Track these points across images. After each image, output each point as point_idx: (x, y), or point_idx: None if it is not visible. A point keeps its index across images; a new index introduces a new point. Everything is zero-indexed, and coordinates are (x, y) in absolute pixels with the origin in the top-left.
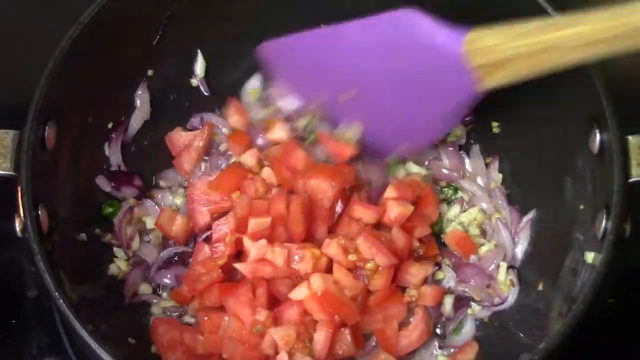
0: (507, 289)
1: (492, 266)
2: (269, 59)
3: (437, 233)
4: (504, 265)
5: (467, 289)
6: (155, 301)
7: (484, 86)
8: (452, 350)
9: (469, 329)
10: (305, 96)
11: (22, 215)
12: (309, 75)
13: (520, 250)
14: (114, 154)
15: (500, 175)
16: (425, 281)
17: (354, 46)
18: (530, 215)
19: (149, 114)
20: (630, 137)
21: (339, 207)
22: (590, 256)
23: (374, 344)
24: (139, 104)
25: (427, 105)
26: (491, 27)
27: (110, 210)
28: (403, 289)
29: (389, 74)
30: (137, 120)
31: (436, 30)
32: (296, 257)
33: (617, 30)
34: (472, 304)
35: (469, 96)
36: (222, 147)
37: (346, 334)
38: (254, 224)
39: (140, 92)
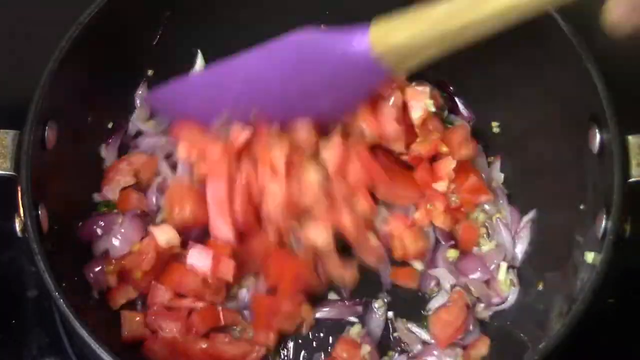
0: (507, 288)
1: (493, 266)
2: (158, 107)
3: None
4: (504, 265)
5: (466, 283)
6: None
7: (399, 72)
8: (461, 349)
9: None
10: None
11: (22, 215)
12: (206, 110)
13: (520, 250)
14: (109, 157)
15: (502, 175)
16: None
17: (253, 74)
18: (530, 215)
19: (148, 115)
20: (630, 137)
21: None
22: (590, 256)
23: None
24: (138, 104)
25: (339, 98)
26: (396, 16)
27: (105, 209)
28: None
29: (296, 88)
30: (137, 121)
31: (337, 37)
32: None
33: None
34: (476, 304)
35: (382, 80)
36: None
37: None
38: None
39: (140, 92)
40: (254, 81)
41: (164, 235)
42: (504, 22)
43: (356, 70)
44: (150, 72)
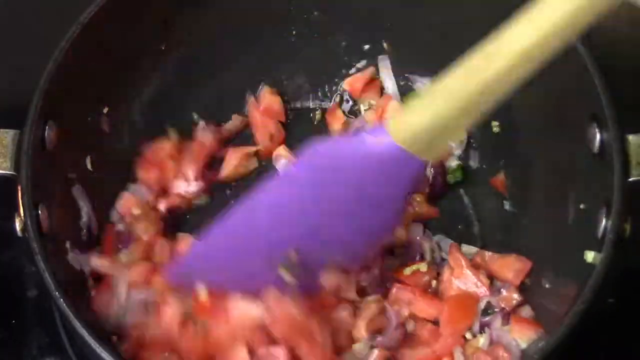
0: None
1: None
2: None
3: None
4: None
5: None
6: None
7: (430, 157)
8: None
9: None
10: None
11: (22, 215)
12: (237, 269)
13: None
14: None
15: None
16: None
17: (277, 209)
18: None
19: None
20: (630, 137)
21: None
22: (590, 256)
23: None
24: None
25: (379, 205)
26: (411, 101)
27: None
28: None
29: (331, 208)
30: None
31: (354, 140)
32: None
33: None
34: None
35: (419, 171)
36: None
37: None
38: None
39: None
40: (280, 218)
41: None
42: (526, 68)
43: (385, 170)
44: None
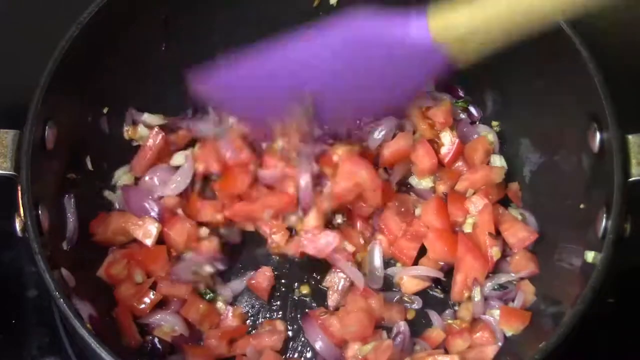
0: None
1: None
2: (202, 91)
3: None
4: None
5: None
6: None
7: (459, 59)
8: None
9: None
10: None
11: (22, 215)
12: (255, 99)
13: None
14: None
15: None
16: None
17: (304, 59)
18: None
19: None
20: (630, 137)
21: None
22: (590, 255)
23: None
24: None
25: (394, 88)
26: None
27: None
28: None
29: (349, 76)
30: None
31: (393, 21)
32: None
33: None
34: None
35: (441, 68)
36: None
37: None
38: None
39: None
40: (304, 67)
41: None
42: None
43: (413, 56)
44: (150, 72)
